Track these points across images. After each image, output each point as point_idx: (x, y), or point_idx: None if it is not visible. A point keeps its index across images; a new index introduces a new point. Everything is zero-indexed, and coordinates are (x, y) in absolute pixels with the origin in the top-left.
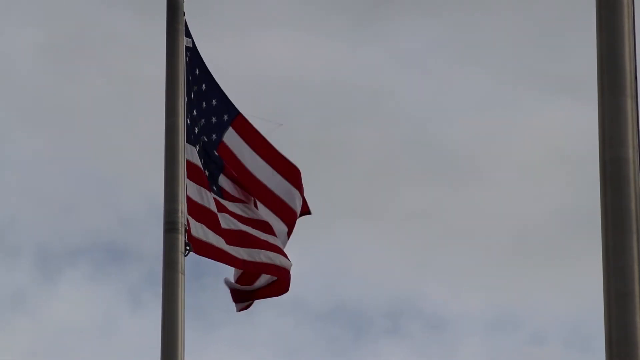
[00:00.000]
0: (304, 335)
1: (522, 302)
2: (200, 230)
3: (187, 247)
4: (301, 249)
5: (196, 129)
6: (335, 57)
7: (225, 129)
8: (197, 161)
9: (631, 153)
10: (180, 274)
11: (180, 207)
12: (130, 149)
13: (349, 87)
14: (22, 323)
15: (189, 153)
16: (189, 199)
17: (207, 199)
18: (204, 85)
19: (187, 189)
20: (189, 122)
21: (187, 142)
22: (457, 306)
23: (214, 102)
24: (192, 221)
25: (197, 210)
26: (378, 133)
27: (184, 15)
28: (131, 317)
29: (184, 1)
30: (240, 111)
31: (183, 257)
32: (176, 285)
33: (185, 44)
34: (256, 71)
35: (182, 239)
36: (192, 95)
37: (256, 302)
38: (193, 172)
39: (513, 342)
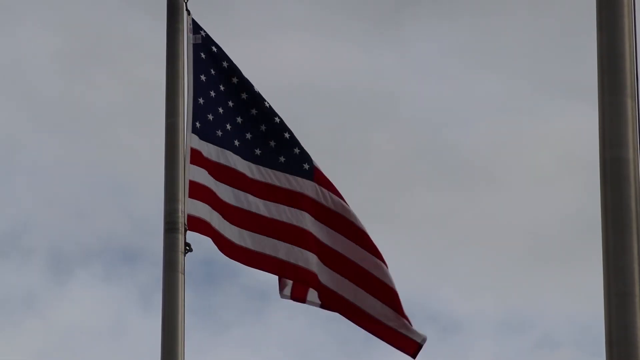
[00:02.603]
0: (315, 337)
1: (534, 305)
2: (200, 208)
3: (187, 247)
4: None
5: (228, 125)
6: (351, 61)
7: None
8: (210, 155)
9: (631, 153)
10: (180, 274)
11: (180, 207)
12: (144, 152)
13: (364, 91)
14: (32, 324)
15: (202, 147)
16: (191, 183)
17: (220, 190)
18: (234, 79)
19: (191, 173)
20: (211, 118)
21: (201, 138)
22: (468, 309)
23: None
24: (191, 201)
25: (199, 192)
26: (393, 138)
27: (189, 13)
28: (142, 318)
29: (185, 0)
30: None
31: (183, 257)
32: (176, 285)
33: (193, 41)
34: (271, 75)
35: (182, 238)
36: (221, 91)
37: (268, 303)
38: (199, 160)
39: (525, 344)
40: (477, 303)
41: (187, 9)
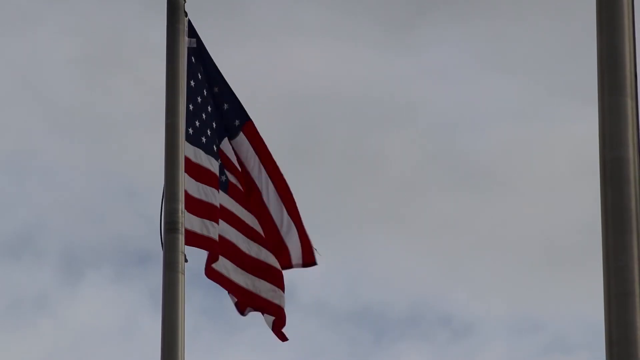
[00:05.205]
0: (326, 338)
1: (545, 307)
2: (196, 223)
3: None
4: (325, 252)
5: (209, 131)
6: (366, 66)
7: (235, 134)
8: (200, 161)
9: (631, 153)
10: (180, 274)
11: (180, 207)
12: (158, 156)
13: (379, 96)
14: (44, 324)
15: (191, 153)
16: (186, 195)
17: (208, 195)
18: (216, 88)
19: (186, 184)
20: (198, 124)
21: (191, 144)
22: (480, 311)
23: (226, 106)
24: (188, 215)
25: (195, 205)
26: (408, 143)
27: (186, 15)
28: (152, 320)
29: (185, 1)
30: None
31: (183, 257)
32: (176, 285)
33: (188, 44)
34: (286, 81)
35: (182, 239)
36: (205, 96)
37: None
38: (193, 170)
39: (536, 347)
40: (489, 305)
41: (185, 11)
